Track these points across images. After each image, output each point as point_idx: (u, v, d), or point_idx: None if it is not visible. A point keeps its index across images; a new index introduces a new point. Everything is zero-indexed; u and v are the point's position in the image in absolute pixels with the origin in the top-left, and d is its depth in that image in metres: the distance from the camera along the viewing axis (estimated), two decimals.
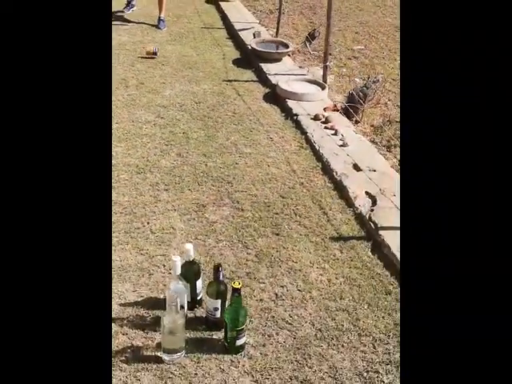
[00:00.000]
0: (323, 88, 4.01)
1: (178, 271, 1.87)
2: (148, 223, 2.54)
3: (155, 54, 4.69)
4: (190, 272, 1.97)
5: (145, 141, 3.30)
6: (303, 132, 3.51)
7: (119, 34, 5.26)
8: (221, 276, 1.88)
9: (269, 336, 1.98)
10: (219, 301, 1.89)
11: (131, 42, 5.10)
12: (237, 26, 5.66)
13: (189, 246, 1.93)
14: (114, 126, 3.44)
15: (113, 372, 1.79)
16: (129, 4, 6.01)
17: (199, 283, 2.01)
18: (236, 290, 1.78)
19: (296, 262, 2.35)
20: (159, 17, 5.59)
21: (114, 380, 1.76)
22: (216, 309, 1.91)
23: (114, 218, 2.55)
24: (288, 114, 3.77)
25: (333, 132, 3.43)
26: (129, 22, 5.72)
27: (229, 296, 1.87)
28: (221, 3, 6.59)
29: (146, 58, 4.66)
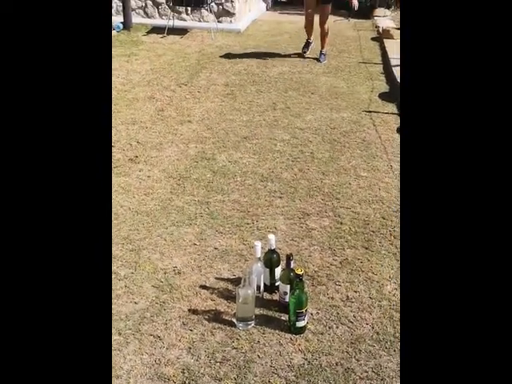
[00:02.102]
0: None
1: (258, 254, 2.26)
2: (257, 221, 2.98)
3: None
4: (271, 259, 2.34)
5: (275, 156, 3.77)
6: None
7: (282, 64, 5.91)
8: (291, 264, 2.22)
9: (329, 328, 2.24)
10: (288, 286, 2.23)
11: (290, 72, 5.69)
12: (393, 62, 5.88)
13: (271, 237, 2.31)
14: (253, 141, 4.01)
15: (195, 325, 2.25)
16: (307, 45, 6.31)
17: (278, 270, 2.36)
18: (298, 276, 2.10)
19: (376, 274, 2.56)
20: (321, 51, 6.11)
21: (194, 330, 2.22)
22: (286, 293, 2.25)
23: (230, 213, 3.06)
24: None
25: None
26: (293, 54, 6.36)
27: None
28: (385, 40, 6.87)
29: None
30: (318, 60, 6.07)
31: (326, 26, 5.98)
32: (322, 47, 6.11)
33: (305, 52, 6.27)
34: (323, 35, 6.05)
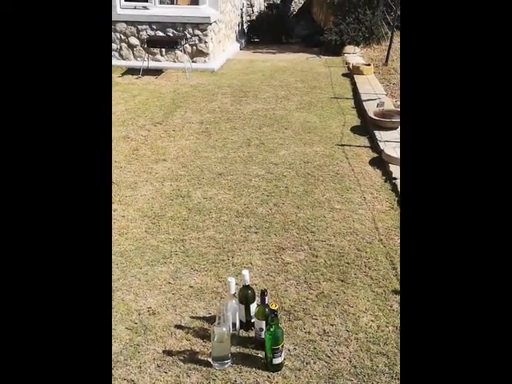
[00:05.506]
0: None
1: (232, 291, 2.24)
2: (232, 257, 2.97)
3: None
4: (246, 296, 2.33)
5: (250, 191, 3.80)
6: (397, 194, 3.69)
7: (256, 102, 6.02)
8: (266, 300, 2.20)
9: (306, 363, 2.21)
10: (264, 322, 2.21)
11: (264, 109, 5.79)
12: (363, 97, 6.05)
13: (245, 272, 2.30)
14: (228, 177, 4.03)
15: (170, 367, 2.20)
16: None
17: (253, 307, 2.34)
18: (272, 311, 2.08)
19: (352, 307, 2.55)
20: None
21: (169, 373, 2.17)
22: (261, 329, 2.22)
23: (205, 250, 3.04)
24: (388, 177, 3.98)
25: None
26: (266, 91, 6.47)
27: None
28: (355, 76, 7.07)
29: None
30: None
31: None
32: None
33: None
34: None
